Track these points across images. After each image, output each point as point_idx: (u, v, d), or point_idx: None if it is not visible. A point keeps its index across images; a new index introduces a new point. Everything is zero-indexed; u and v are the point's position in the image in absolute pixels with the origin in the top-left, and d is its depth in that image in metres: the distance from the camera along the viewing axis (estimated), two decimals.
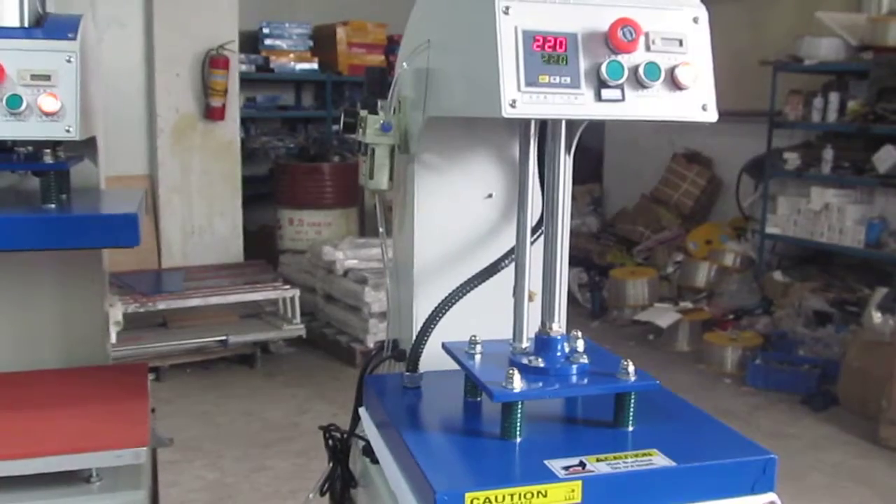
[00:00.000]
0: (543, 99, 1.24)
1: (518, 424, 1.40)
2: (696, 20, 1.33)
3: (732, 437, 1.48)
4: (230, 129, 6.47)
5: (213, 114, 6.28)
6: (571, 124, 1.47)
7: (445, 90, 1.51)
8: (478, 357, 1.49)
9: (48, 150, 1.79)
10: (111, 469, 1.71)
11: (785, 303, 6.14)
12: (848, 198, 6.20)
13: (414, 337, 1.70)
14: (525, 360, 1.44)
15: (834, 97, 6.20)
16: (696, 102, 1.33)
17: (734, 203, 7.54)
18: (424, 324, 1.59)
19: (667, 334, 6.26)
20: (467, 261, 1.74)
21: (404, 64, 1.66)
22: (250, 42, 7.56)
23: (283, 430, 4.62)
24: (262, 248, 6.89)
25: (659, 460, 1.34)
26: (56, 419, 1.81)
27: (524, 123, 1.48)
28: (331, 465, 1.81)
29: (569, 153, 1.45)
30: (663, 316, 6.35)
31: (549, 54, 1.25)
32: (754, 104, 6.64)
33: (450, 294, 1.58)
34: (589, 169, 8.90)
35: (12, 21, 1.75)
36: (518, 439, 1.40)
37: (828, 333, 5.66)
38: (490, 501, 1.23)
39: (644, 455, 1.35)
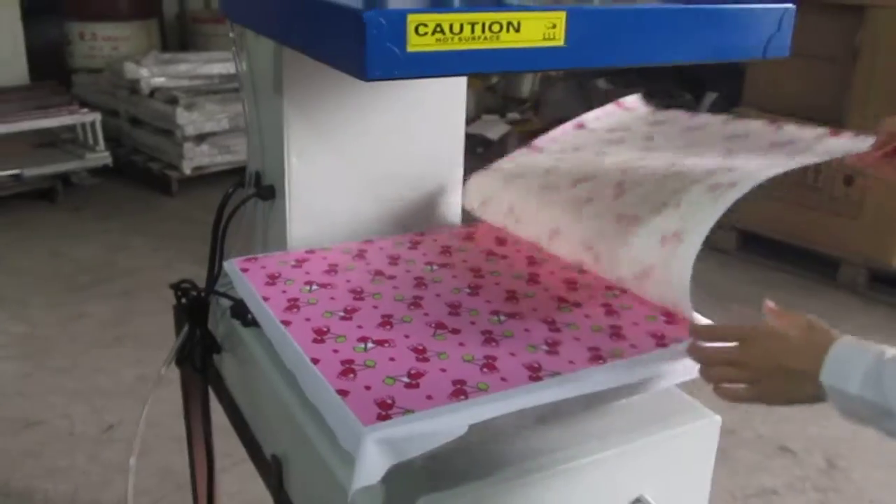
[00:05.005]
0: None
1: None
2: None
3: None
4: None
5: None
6: None
7: None
8: None
9: None
10: None
11: None
12: None
13: (286, 170, 1.39)
14: None
15: None
16: None
17: None
18: None
19: (496, 147, 6.12)
20: None
21: None
22: None
23: (97, 270, 4.17)
24: (49, 69, 6.03)
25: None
26: None
27: None
28: (187, 328, 1.50)
29: None
30: (492, 128, 6.20)
31: None
32: None
33: None
34: None
35: None
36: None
37: None
38: (442, 31, 0.93)
39: None
